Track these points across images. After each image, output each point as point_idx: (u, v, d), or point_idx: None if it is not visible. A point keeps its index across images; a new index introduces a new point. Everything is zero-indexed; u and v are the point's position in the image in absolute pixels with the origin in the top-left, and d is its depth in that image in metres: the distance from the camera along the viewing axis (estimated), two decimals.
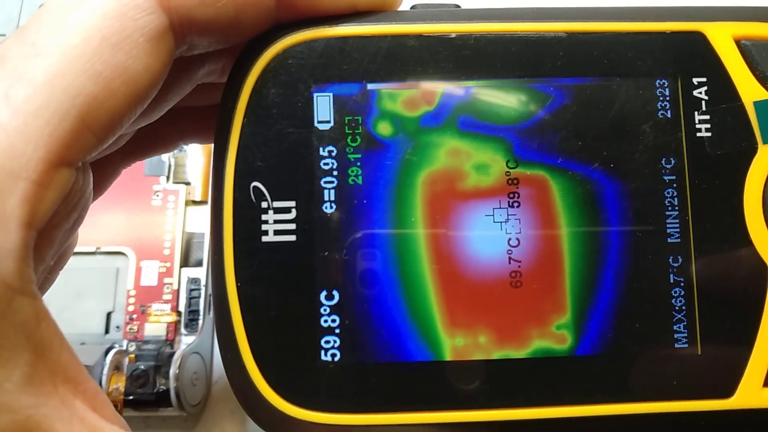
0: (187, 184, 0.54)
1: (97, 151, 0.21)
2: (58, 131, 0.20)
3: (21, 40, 0.20)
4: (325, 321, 0.24)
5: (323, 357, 0.24)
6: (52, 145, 0.20)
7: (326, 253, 0.24)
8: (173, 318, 0.51)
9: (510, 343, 0.24)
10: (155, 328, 0.51)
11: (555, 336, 0.24)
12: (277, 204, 0.24)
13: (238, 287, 0.24)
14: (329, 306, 0.24)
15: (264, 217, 0.24)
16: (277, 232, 0.24)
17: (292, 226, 0.24)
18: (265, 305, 0.24)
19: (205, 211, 0.53)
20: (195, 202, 0.54)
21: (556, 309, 0.24)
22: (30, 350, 0.19)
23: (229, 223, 0.24)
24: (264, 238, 0.24)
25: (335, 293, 0.24)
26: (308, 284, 0.24)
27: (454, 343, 0.24)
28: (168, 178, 0.54)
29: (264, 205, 0.24)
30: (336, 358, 0.24)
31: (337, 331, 0.24)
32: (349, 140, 0.24)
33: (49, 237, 0.21)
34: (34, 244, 0.20)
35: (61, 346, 0.20)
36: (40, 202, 0.20)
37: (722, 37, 0.25)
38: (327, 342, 0.24)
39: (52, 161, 0.20)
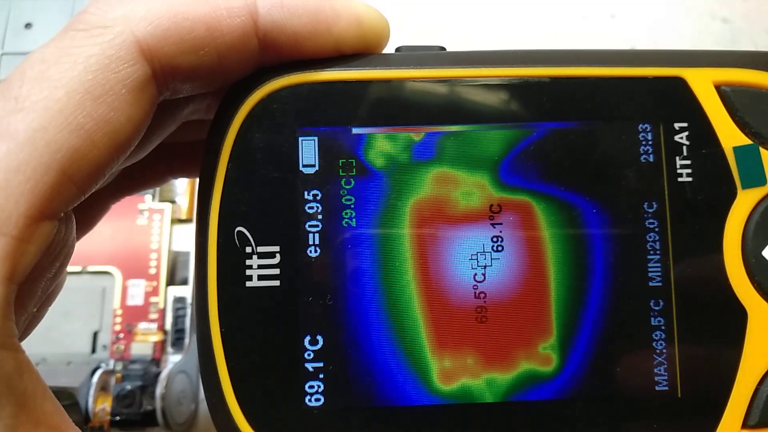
0: (173, 202, 0.54)
1: (79, 200, 0.21)
2: (39, 186, 0.20)
3: (4, 94, 0.20)
4: (310, 366, 0.24)
5: (307, 402, 0.24)
6: (34, 200, 0.20)
7: (310, 298, 0.24)
8: (160, 337, 0.51)
9: (497, 367, 0.24)
10: (142, 347, 0.51)
11: (541, 357, 0.24)
12: (261, 249, 0.24)
13: (222, 332, 0.24)
14: (313, 351, 0.24)
15: (248, 262, 0.24)
16: (261, 277, 0.24)
17: (276, 271, 0.24)
18: (249, 350, 0.24)
19: (192, 229, 0.53)
20: (181, 221, 0.54)
21: (543, 334, 0.24)
22: (13, 402, 0.20)
23: (213, 268, 0.24)
24: (248, 283, 0.24)
25: (319, 338, 0.24)
26: (292, 329, 0.24)
27: (442, 365, 0.24)
28: (154, 196, 0.54)
29: (248, 249, 0.24)
30: (320, 403, 0.24)
31: (321, 376, 0.24)
32: (332, 184, 0.24)
33: (31, 288, 0.22)
34: (16, 297, 0.20)
35: (44, 397, 0.21)
36: (21, 257, 0.20)
37: (702, 83, 0.25)
38: (311, 387, 0.24)
39: (33, 216, 0.20)
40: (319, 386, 0.24)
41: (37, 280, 0.22)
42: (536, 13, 0.57)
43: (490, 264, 0.24)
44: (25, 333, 0.23)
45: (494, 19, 0.57)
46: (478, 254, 0.24)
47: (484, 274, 0.24)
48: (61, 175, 0.20)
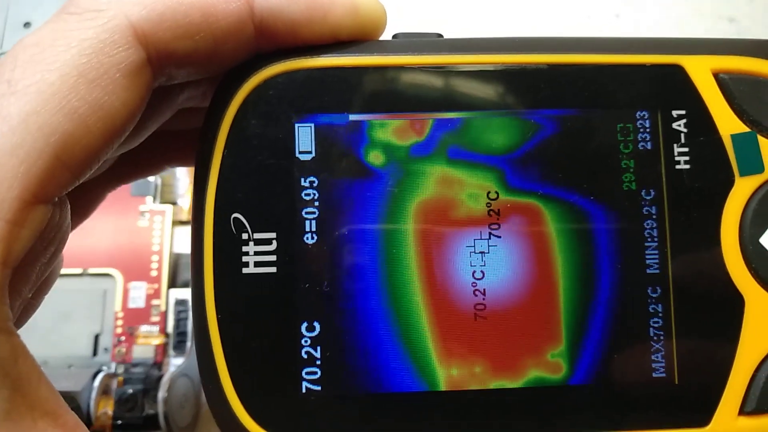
0: (174, 204, 0.54)
1: (73, 185, 0.21)
2: (33, 170, 0.20)
3: None
4: (306, 352, 0.24)
5: (304, 389, 0.24)
6: (27, 183, 0.20)
7: (307, 284, 0.24)
8: (161, 340, 0.51)
9: (505, 372, 0.24)
10: (144, 350, 0.51)
11: (550, 365, 0.24)
12: (257, 235, 0.24)
13: (218, 319, 0.24)
14: (310, 337, 0.24)
15: (245, 248, 0.24)
16: (257, 264, 0.24)
17: (273, 258, 0.24)
18: (245, 337, 0.24)
19: None
20: (182, 222, 0.54)
21: (551, 338, 0.24)
22: (8, 386, 0.20)
23: (209, 255, 0.24)
24: (244, 270, 0.24)
25: (316, 324, 0.24)
26: (289, 315, 0.24)
27: (449, 374, 0.24)
28: (155, 198, 0.54)
29: (244, 236, 0.24)
30: (317, 390, 0.24)
31: (318, 362, 0.24)
32: (331, 171, 0.24)
33: (25, 273, 0.21)
34: (10, 281, 0.20)
35: (39, 381, 0.21)
36: (15, 241, 0.20)
37: (701, 71, 0.25)
38: (308, 373, 0.24)
39: (27, 199, 0.20)
40: (316, 372, 0.24)
41: (32, 265, 0.22)
42: (540, 12, 0.57)
43: (487, 251, 0.24)
44: (21, 319, 0.23)
45: (497, 18, 0.57)
46: (476, 243, 0.24)
47: (483, 271, 0.24)
48: (54, 159, 0.20)
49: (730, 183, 0.24)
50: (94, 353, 0.51)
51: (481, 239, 0.24)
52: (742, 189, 0.24)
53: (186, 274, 0.53)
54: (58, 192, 0.21)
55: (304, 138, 0.24)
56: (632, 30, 0.56)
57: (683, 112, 0.25)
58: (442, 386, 0.24)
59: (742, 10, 0.56)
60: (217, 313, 0.24)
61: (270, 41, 0.24)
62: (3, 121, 0.20)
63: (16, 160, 0.20)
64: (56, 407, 0.21)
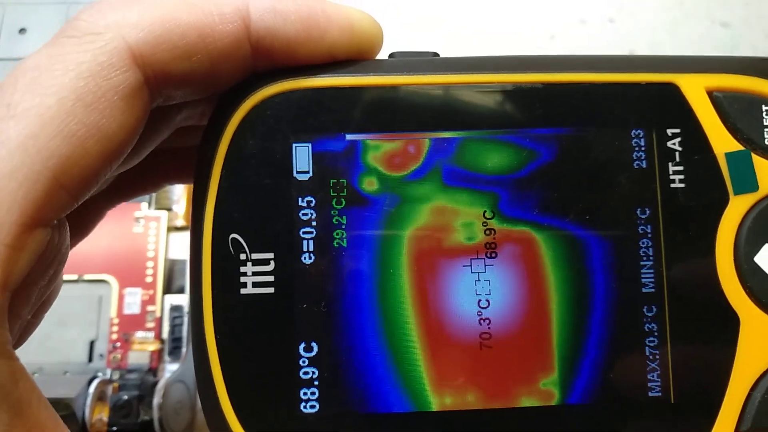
0: (169, 210, 0.54)
1: (72, 207, 0.21)
2: (31, 193, 0.20)
3: None
4: (305, 373, 0.24)
5: (302, 409, 0.24)
6: (26, 207, 0.20)
7: (305, 305, 0.24)
8: (157, 346, 0.51)
9: (497, 400, 0.24)
10: (139, 356, 0.51)
11: (541, 393, 0.24)
12: (255, 256, 0.24)
13: (217, 339, 0.24)
14: (308, 358, 0.24)
15: (242, 269, 0.24)
16: (255, 284, 0.24)
17: (271, 278, 0.24)
18: (244, 357, 0.24)
19: (188, 237, 0.53)
20: (177, 228, 0.54)
21: (544, 367, 0.24)
22: (7, 410, 0.20)
23: (207, 275, 0.24)
24: (242, 291, 0.24)
25: (314, 345, 0.24)
26: (287, 336, 0.24)
27: (442, 402, 0.24)
28: (150, 204, 0.54)
29: (242, 257, 0.24)
30: (315, 410, 0.24)
31: (316, 383, 0.24)
32: (329, 192, 0.24)
33: (25, 295, 0.21)
34: (9, 305, 0.20)
35: (39, 404, 0.21)
36: (14, 265, 0.20)
37: (695, 89, 0.25)
38: (306, 394, 0.24)
39: (25, 223, 0.20)
40: (313, 393, 0.24)
41: (31, 288, 0.22)
42: (536, 16, 0.57)
43: (484, 271, 0.24)
44: (20, 340, 0.23)
45: (492, 22, 0.57)
46: (473, 263, 0.24)
47: (479, 294, 0.24)
48: (53, 183, 0.20)
49: (724, 201, 0.25)
50: (90, 359, 0.52)
51: (478, 258, 0.24)
52: (737, 207, 0.24)
53: (181, 280, 0.53)
54: (56, 215, 0.21)
55: (302, 158, 0.24)
56: (626, 35, 0.56)
57: (678, 130, 0.25)
58: (435, 408, 0.24)
59: (737, 15, 0.56)
60: (216, 334, 0.24)
61: (266, 61, 0.24)
62: (1, 145, 0.20)
63: (15, 184, 0.20)
64: (55, 430, 0.21)
